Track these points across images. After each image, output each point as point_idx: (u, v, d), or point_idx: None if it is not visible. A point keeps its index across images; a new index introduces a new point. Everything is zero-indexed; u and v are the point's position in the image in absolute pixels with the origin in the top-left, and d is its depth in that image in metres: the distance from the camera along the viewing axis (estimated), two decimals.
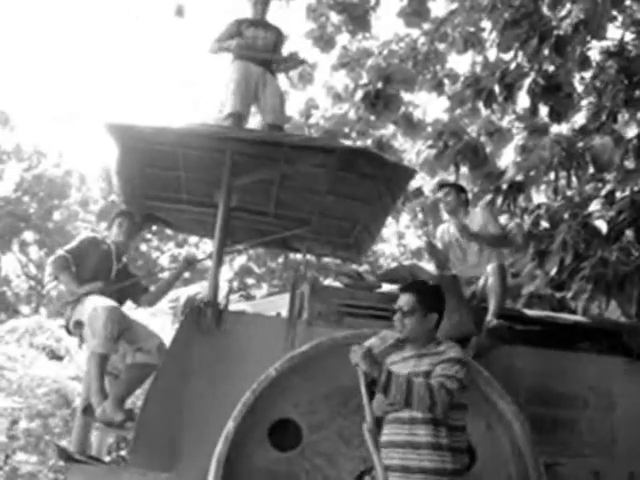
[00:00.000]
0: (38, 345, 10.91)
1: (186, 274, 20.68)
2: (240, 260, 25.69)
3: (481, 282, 5.73)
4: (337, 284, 5.87)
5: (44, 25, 48.71)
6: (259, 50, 6.79)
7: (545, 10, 9.55)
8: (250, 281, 25.29)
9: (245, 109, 6.63)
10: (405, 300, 4.01)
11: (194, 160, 5.94)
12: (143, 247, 25.19)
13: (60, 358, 10.89)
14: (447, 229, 6.39)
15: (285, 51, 7.10)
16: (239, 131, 5.95)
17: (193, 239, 26.14)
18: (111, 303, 5.25)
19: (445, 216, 6.61)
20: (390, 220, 23.74)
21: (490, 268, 5.62)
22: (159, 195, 6.59)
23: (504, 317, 5.51)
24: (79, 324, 5.31)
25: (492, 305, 5.44)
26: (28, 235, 25.29)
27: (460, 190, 6.39)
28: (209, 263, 5.65)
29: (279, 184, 6.26)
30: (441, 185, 6.64)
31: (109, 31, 49.28)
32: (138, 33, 47.77)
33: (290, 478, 4.70)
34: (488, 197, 9.86)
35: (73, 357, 10.44)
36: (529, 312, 6.25)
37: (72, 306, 5.45)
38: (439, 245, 6.39)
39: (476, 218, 6.16)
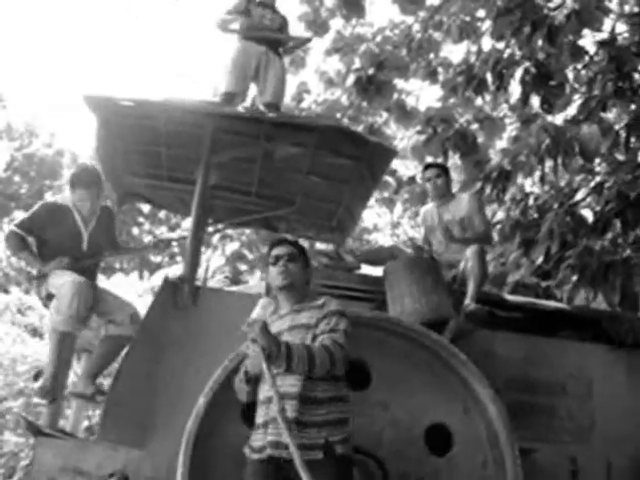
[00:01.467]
0: (21, 323, 10.82)
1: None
2: (232, 246, 25.58)
3: (461, 266, 5.68)
4: (316, 264, 5.81)
5: (40, 6, 48.43)
6: (265, 29, 6.72)
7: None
8: (242, 267, 25.18)
9: (241, 89, 6.55)
10: (286, 249, 4.01)
11: (175, 136, 5.85)
12: (135, 230, 25.07)
13: (42, 336, 10.81)
14: (430, 212, 6.32)
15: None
16: (220, 107, 5.87)
17: (187, 224, 26.03)
18: (79, 278, 5.05)
19: (430, 198, 6.50)
20: (384, 210, 23.73)
21: (469, 252, 5.56)
22: (140, 171, 6.49)
23: (485, 302, 5.47)
24: (51, 296, 5.16)
25: (471, 288, 5.38)
26: (18, 215, 25.06)
27: (448, 172, 6.33)
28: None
29: (261, 163, 6.18)
30: (429, 165, 6.52)
31: (105, 17, 49.02)
32: (134, 22, 47.50)
33: None
34: (477, 185, 9.80)
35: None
36: (511, 298, 6.21)
37: (39, 281, 5.29)
38: (422, 228, 6.33)
39: (462, 205, 6.10)
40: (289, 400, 3.55)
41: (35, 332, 10.91)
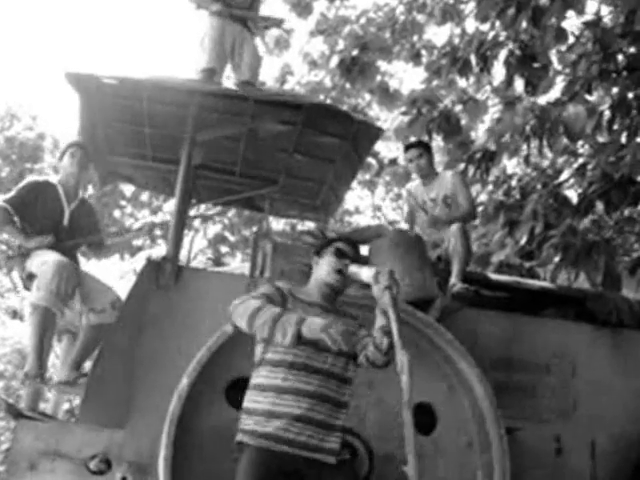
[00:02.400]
0: (0, 305, 10.72)
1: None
2: (214, 229, 25.51)
3: (445, 244, 5.66)
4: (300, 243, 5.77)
5: None
6: (237, 7, 6.63)
7: None
8: (224, 249, 25.12)
9: (219, 66, 6.47)
10: (353, 252, 3.84)
11: (159, 114, 5.78)
12: (117, 213, 24.90)
13: (23, 318, 10.72)
14: (414, 191, 6.29)
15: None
16: (204, 84, 5.80)
17: (168, 206, 25.91)
18: (60, 258, 4.98)
19: (413, 176, 6.46)
20: (366, 192, 23.72)
21: (452, 230, 5.54)
22: (123, 151, 6.43)
23: (470, 281, 5.46)
24: (32, 276, 5.07)
25: (456, 267, 5.37)
26: None
27: (430, 150, 6.29)
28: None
29: (245, 142, 6.12)
30: (410, 145, 6.45)
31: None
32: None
33: None
34: (460, 166, 9.77)
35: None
36: (495, 277, 6.20)
37: (20, 260, 5.19)
38: (406, 206, 6.31)
39: (445, 182, 6.08)
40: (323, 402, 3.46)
41: (15, 315, 10.81)
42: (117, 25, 46.82)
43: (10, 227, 5.21)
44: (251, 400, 3.52)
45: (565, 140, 8.19)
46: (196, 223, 21.46)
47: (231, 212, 25.74)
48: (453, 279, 5.30)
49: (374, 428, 4.69)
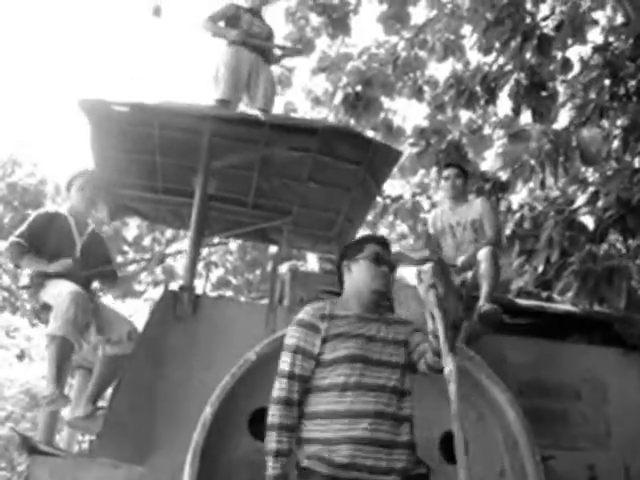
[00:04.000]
0: (7, 346, 10.51)
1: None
2: (217, 273, 25.39)
3: (473, 270, 5.52)
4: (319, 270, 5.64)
5: (22, 33, 48.38)
6: (255, 36, 6.60)
7: (529, 6, 9.44)
8: (228, 293, 24.99)
9: (235, 97, 6.41)
10: (390, 255, 3.59)
11: (171, 143, 5.67)
12: (119, 259, 24.82)
13: (30, 358, 10.52)
14: (440, 216, 6.16)
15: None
16: (218, 109, 5.70)
17: (170, 251, 25.81)
18: (76, 288, 4.85)
19: (441, 200, 6.34)
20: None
21: (482, 253, 5.39)
22: (133, 183, 6.28)
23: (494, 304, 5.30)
24: (47, 307, 4.94)
25: (484, 290, 5.21)
26: (1, 245, 24.75)
27: (467, 175, 6.21)
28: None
29: (259, 170, 6.01)
30: (450, 164, 6.34)
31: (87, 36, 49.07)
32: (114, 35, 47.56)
33: None
34: (470, 197, 9.70)
35: (44, 356, 10.04)
36: (520, 301, 6.04)
37: (34, 290, 5.08)
38: (431, 231, 6.17)
39: (475, 207, 5.97)
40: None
41: (22, 356, 10.62)
42: (125, 54, 47.27)
43: (28, 257, 5.08)
44: (308, 430, 3.26)
45: (578, 166, 8.11)
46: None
47: (233, 256, 25.71)
48: (481, 301, 5.15)
49: None
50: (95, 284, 5.59)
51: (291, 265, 5.34)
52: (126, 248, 24.67)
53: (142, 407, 4.49)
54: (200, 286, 5.78)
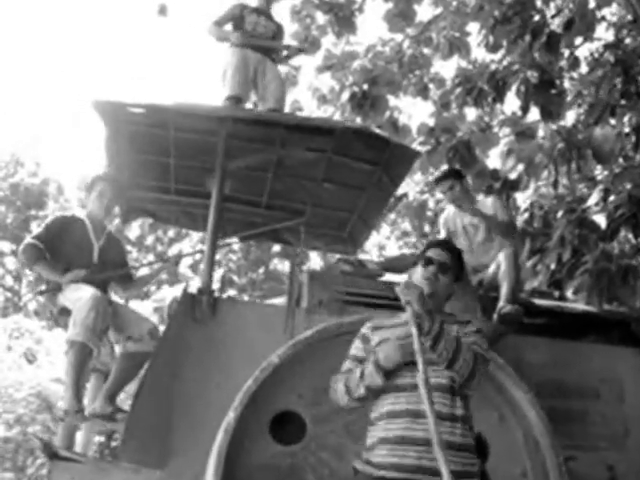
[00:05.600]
0: (16, 348, 10.48)
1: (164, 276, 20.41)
2: (219, 272, 25.36)
3: (490, 270, 5.50)
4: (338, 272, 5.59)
5: (25, 33, 48.33)
6: (258, 37, 6.58)
7: (539, 3, 9.40)
8: (232, 292, 24.97)
9: (245, 93, 6.38)
10: (442, 257, 3.59)
11: (185, 144, 5.64)
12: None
13: (40, 360, 10.49)
14: (452, 217, 6.14)
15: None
16: (233, 110, 5.67)
17: (173, 250, 25.81)
18: (95, 292, 4.83)
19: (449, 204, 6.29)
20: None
21: (502, 254, 5.38)
22: (146, 184, 6.25)
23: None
24: (65, 311, 4.93)
25: (505, 290, 5.19)
26: (4, 245, 24.76)
27: (462, 177, 6.13)
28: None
29: (274, 171, 5.98)
30: (439, 179, 6.24)
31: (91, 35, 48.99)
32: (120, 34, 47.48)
33: (294, 472, 4.39)
34: (480, 196, 9.66)
35: (55, 359, 10.03)
36: (537, 302, 6.01)
37: (52, 294, 5.05)
38: (444, 233, 6.14)
39: (486, 207, 5.93)
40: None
41: (32, 358, 10.58)
42: (130, 53, 47.20)
43: (43, 263, 5.06)
44: (367, 435, 3.38)
45: (590, 165, 8.07)
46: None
47: (237, 255, 25.69)
48: (502, 302, 5.13)
49: None
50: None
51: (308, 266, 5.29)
52: (129, 248, 24.66)
53: (162, 411, 4.47)
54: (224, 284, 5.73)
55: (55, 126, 43.90)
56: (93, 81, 45.94)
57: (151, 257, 26.08)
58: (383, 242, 26.11)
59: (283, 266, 24.88)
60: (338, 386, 3.45)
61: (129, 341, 5.01)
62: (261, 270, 24.53)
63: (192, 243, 24.69)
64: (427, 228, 14.75)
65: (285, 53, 6.91)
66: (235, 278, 25.51)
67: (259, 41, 6.58)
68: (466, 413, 3.36)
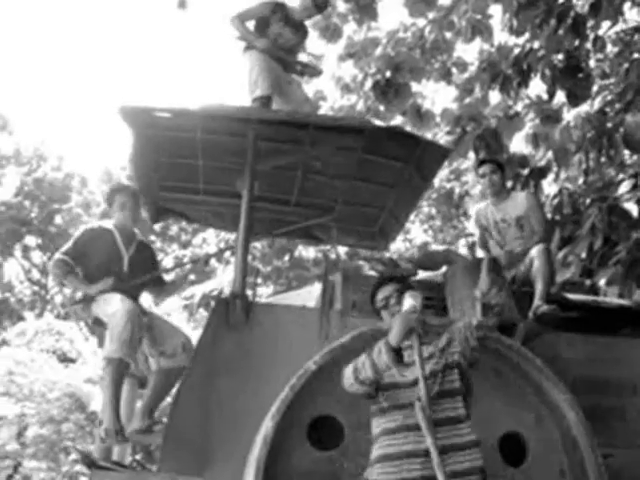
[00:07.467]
0: (48, 348, 10.55)
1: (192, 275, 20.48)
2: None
3: (522, 266, 5.44)
4: (370, 272, 5.56)
5: (45, 26, 48.47)
6: (280, 47, 6.40)
7: None
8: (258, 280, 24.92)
9: (273, 92, 6.28)
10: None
11: (213, 146, 5.63)
12: None
13: (72, 361, 10.54)
14: (485, 212, 6.08)
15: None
16: (263, 111, 5.62)
17: (197, 240, 25.87)
18: (129, 305, 4.83)
19: (483, 197, 6.24)
20: None
21: (535, 251, 5.33)
22: (174, 186, 6.26)
23: (548, 302, 5.22)
24: (99, 322, 4.95)
25: (539, 288, 5.14)
26: (30, 240, 24.96)
27: (504, 169, 6.11)
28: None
29: (303, 170, 5.94)
30: (484, 161, 6.25)
31: (109, 36, 49.06)
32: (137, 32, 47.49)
33: (332, 479, 4.37)
34: (508, 184, 9.56)
35: (87, 359, 10.09)
36: (572, 297, 5.95)
37: (85, 304, 5.07)
38: (476, 228, 6.09)
39: (518, 203, 5.87)
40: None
41: (64, 357, 10.65)
42: (151, 50, 47.23)
43: (72, 277, 5.13)
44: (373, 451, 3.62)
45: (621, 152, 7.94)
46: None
47: (261, 244, 25.67)
48: (537, 301, 5.08)
49: None
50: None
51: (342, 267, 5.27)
52: (152, 237, 24.72)
53: (199, 420, 4.49)
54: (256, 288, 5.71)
55: (78, 119, 44.05)
56: (114, 76, 46.09)
57: (175, 247, 26.20)
58: (408, 226, 26.02)
59: (307, 253, 24.83)
60: (347, 369, 3.66)
61: (162, 357, 5.02)
62: (286, 257, 24.47)
63: (216, 232, 24.67)
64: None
65: (299, 69, 6.72)
66: (260, 267, 25.47)
67: (280, 53, 6.39)
68: (467, 411, 3.62)
